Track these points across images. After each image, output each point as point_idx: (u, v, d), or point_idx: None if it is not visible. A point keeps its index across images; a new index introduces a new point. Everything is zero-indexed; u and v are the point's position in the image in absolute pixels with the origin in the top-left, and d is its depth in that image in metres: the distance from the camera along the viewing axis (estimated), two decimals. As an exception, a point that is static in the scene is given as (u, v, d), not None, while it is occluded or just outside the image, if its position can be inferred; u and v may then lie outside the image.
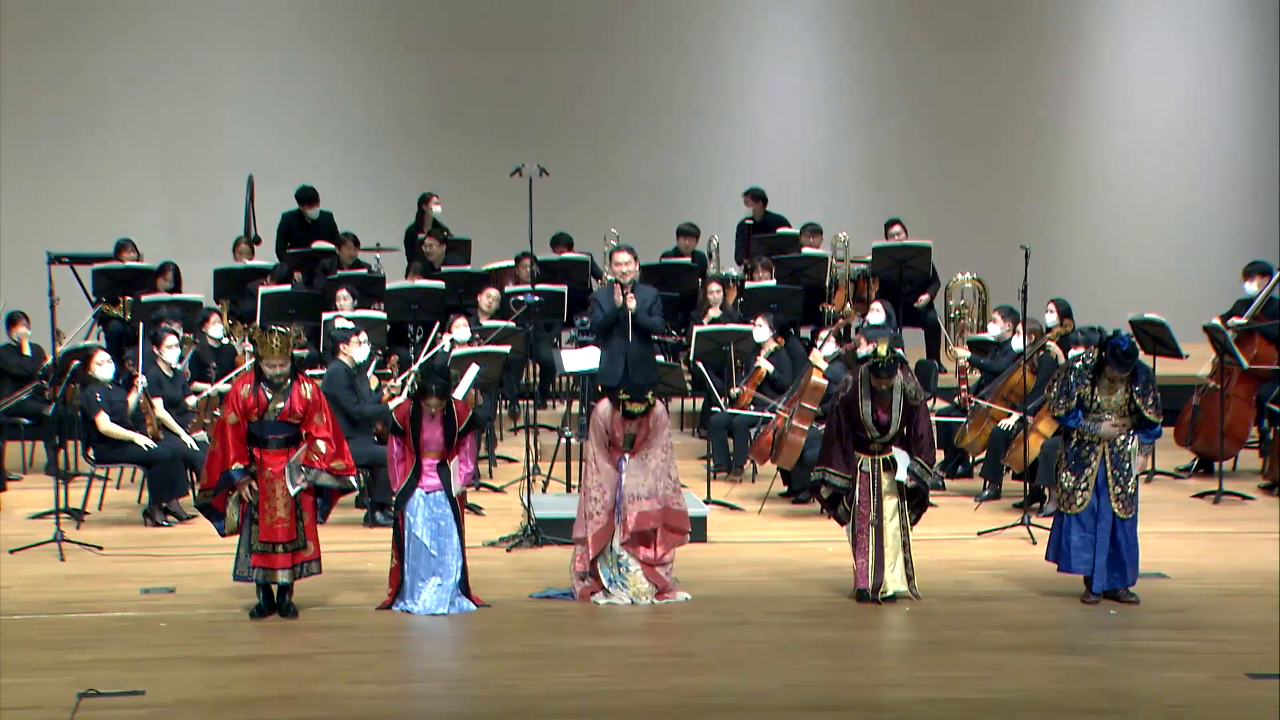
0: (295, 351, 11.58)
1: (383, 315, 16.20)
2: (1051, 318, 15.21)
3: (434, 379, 11.49)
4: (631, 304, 14.53)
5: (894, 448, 11.60)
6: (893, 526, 11.63)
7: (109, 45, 20.99)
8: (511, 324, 16.04)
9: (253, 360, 11.46)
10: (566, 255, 18.23)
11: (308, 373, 12.10)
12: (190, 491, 14.24)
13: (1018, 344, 14.90)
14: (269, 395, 11.17)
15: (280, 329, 11.29)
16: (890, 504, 11.64)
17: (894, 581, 11.64)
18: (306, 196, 19.01)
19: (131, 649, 10.61)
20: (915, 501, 11.77)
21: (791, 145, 21.76)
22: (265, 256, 18.79)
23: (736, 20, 21.82)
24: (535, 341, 16.28)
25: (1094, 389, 11.50)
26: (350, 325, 14.74)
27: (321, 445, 11.17)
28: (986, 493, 14.83)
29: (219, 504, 11.27)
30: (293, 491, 11.14)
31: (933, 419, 12.65)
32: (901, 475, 11.59)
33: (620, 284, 14.65)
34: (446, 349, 14.98)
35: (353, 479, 11.58)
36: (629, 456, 11.68)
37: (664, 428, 11.80)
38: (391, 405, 13.33)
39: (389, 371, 14.65)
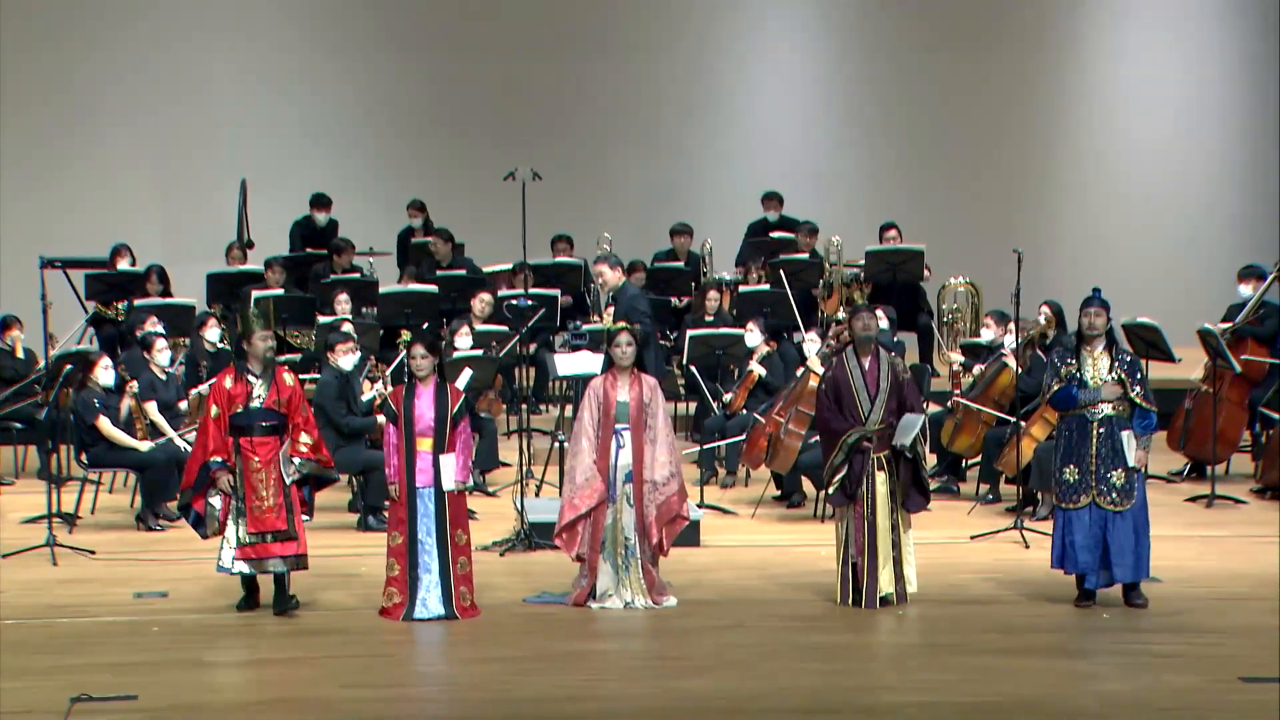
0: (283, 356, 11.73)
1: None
2: (1041, 317, 15.16)
3: (423, 333, 11.68)
4: None
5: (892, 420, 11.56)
6: (885, 528, 11.61)
7: (104, 49, 20.99)
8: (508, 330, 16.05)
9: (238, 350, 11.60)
10: (561, 260, 18.22)
11: (301, 376, 12.18)
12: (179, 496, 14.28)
13: (1010, 347, 14.89)
14: (251, 382, 11.23)
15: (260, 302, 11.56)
16: (884, 506, 11.61)
17: (887, 583, 11.63)
18: (320, 201, 19.09)
19: (124, 653, 10.60)
20: (917, 486, 11.68)
21: (786, 149, 21.75)
22: (257, 261, 18.76)
23: (731, 24, 21.82)
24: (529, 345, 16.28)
25: (1079, 363, 11.52)
26: (349, 330, 14.77)
27: (306, 437, 11.27)
28: (983, 497, 14.82)
29: (199, 506, 11.28)
30: (288, 481, 11.19)
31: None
32: (905, 440, 11.52)
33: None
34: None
35: (333, 471, 11.76)
36: (630, 432, 11.53)
37: (660, 398, 11.67)
38: (381, 393, 13.42)
39: (378, 375, 14.66)
